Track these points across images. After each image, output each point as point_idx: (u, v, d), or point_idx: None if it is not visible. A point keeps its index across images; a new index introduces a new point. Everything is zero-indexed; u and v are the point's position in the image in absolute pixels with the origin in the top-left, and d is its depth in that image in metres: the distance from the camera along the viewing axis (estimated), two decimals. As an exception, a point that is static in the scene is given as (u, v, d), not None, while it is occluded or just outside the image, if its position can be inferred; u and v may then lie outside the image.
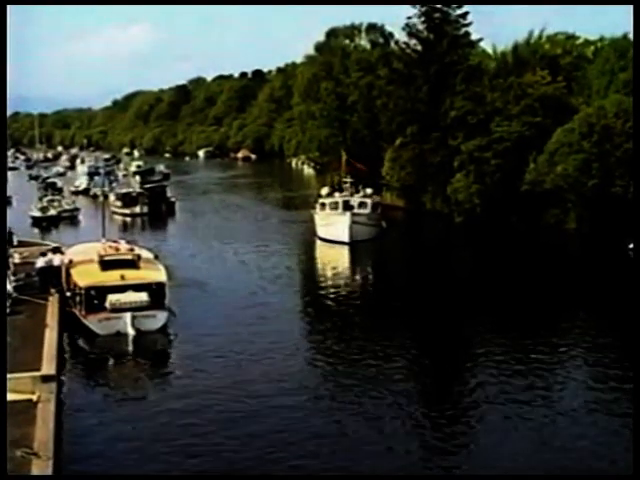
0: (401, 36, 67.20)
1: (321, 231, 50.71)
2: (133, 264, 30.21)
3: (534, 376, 23.36)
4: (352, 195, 52.33)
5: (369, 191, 54.49)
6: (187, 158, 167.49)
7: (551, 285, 36.31)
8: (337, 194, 52.72)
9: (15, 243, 40.51)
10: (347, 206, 50.23)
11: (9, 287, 28.66)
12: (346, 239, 47.86)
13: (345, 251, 47.11)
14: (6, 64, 36.44)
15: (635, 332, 27.33)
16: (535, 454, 18.29)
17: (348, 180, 54.01)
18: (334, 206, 50.84)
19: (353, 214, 48.73)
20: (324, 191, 54.30)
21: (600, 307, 32.46)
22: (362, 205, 51.38)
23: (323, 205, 51.78)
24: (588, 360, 25.43)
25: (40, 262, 31.33)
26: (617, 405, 21.13)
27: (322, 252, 48.92)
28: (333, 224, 49.20)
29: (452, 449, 18.86)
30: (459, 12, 63.04)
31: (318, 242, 50.23)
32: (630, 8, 48.06)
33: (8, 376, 19.05)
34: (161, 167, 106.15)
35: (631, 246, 40.62)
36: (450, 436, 19.51)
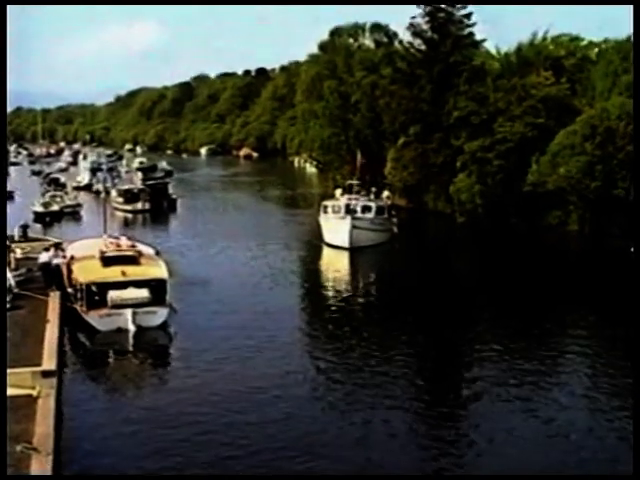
0: (405, 36, 67.53)
1: (325, 235, 48.43)
2: (134, 260, 30.23)
3: (537, 376, 23.38)
4: (358, 198, 49.60)
5: (386, 194, 52.77)
6: (184, 155, 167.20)
7: (553, 286, 36.33)
8: (345, 196, 50.13)
9: (17, 238, 40.54)
10: (349, 210, 47.63)
11: (11, 282, 28.68)
12: (346, 244, 45.77)
13: (345, 255, 45.48)
14: (6, 62, 36.42)
15: (636, 333, 27.32)
16: (536, 454, 18.28)
17: (355, 182, 51.80)
18: (336, 209, 48.45)
19: (354, 218, 46.17)
20: (338, 192, 52.05)
21: (601, 308, 32.49)
22: (366, 209, 48.31)
23: (326, 208, 49.40)
24: (590, 360, 25.48)
25: (42, 257, 31.35)
26: (618, 405, 21.14)
27: (324, 255, 47.32)
28: (335, 228, 47.09)
29: (452, 450, 18.81)
30: (463, 12, 63.18)
31: (323, 245, 48.15)
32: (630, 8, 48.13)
33: (8, 371, 19.05)
34: (164, 164, 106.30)
35: (633, 249, 40.58)
36: (450, 437, 19.48)
